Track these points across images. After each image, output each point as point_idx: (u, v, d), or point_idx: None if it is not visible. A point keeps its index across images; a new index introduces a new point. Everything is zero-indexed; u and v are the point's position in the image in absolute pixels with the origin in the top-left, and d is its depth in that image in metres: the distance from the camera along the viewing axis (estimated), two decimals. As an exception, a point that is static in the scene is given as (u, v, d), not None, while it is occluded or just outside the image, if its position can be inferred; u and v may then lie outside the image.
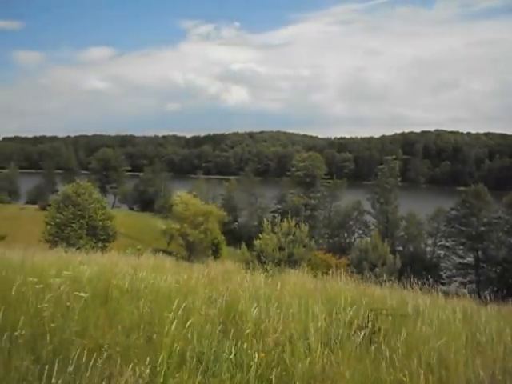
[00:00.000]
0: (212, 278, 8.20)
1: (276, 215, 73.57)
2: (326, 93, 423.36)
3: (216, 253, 51.04)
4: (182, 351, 3.93)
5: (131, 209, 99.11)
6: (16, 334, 3.58)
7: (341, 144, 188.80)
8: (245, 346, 4.00)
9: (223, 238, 54.81)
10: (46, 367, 3.07)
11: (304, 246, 18.05)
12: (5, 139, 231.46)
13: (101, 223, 36.91)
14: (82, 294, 4.47)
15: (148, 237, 61.58)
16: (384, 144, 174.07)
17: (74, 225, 34.71)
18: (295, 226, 18.73)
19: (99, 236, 36.50)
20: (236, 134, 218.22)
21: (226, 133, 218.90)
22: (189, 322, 4.54)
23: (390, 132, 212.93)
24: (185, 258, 38.70)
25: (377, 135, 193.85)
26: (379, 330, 4.59)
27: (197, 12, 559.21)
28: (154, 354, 3.76)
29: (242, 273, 10.15)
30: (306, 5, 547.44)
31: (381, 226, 63.78)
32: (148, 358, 3.49)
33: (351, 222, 69.69)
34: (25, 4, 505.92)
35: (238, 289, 6.83)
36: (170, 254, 38.77)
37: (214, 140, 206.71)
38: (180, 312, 4.89)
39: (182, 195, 53.60)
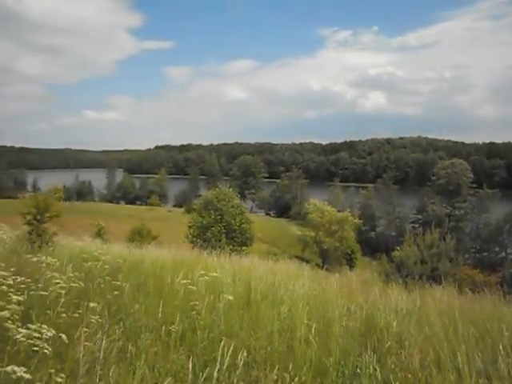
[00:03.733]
0: (350, 288, 8.01)
1: (416, 226, 69.95)
2: (472, 94, 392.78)
3: (350, 262, 50.00)
4: (321, 361, 3.88)
5: (268, 214, 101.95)
6: (171, 328, 3.87)
7: (490, 150, 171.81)
8: (388, 362, 3.81)
9: (358, 247, 53.52)
10: (199, 363, 3.27)
11: (449, 261, 16.69)
12: (157, 147, 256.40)
13: (239, 227, 38.48)
14: (229, 297, 4.66)
15: (283, 242, 62.71)
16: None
17: (214, 228, 36.73)
18: (439, 238, 17.45)
19: (237, 239, 38.10)
20: (374, 140, 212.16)
21: (363, 139, 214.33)
22: (328, 333, 4.49)
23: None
24: (319, 266, 38.61)
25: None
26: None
27: (336, 19, 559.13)
28: (295, 361, 3.76)
29: (380, 285, 9.76)
30: (450, 2, 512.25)
31: (540, 242, 56.46)
32: (290, 365, 3.50)
33: (504, 236, 62.85)
34: (175, 25, 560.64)
35: (377, 302, 6.57)
36: (304, 260, 39.02)
37: (351, 147, 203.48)
38: (319, 321, 4.85)
39: (316, 202, 53.64)
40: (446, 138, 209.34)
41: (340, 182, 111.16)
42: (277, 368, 3.54)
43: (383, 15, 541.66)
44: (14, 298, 3.25)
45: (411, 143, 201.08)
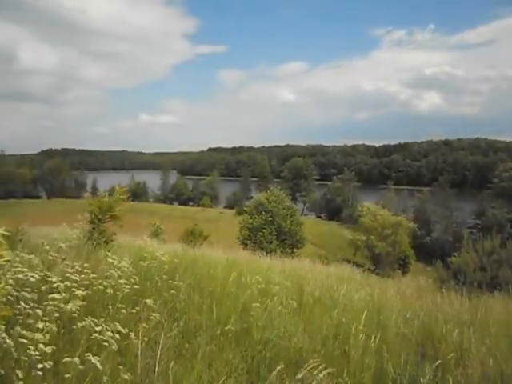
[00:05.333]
0: (405, 294, 7.81)
1: (474, 231, 67.01)
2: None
3: (404, 267, 48.66)
4: (377, 368, 3.80)
5: (319, 217, 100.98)
6: (226, 328, 3.92)
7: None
8: (447, 374, 3.67)
9: (412, 252, 51.95)
10: (253, 364, 3.29)
11: (511, 269, 15.84)
12: (209, 149, 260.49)
13: (289, 229, 38.36)
14: (286, 302, 4.66)
15: (333, 246, 61.99)
16: None
17: (265, 230, 36.80)
18: (500, 244, 16.63)
19: (288, 242, 37.99)
20: (429, 141, 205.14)
21: (419, 141, 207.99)
22: (384, 340, 4.38)
23: None
24: (371, 271, 37.84)
25: None
26: None
27: (390, 19, 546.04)
28: (349, 367, 3.71)
29: (437, 292, 9.45)
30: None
31: None
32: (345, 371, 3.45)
33: None
34: (228, 30, 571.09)
35: (434, 309, 6.36)
36: (355, 264, 38.32)
37: (405, 149, 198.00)
38: (374, 327, 4.76)
39: (368, 206, 52.66)
40: (507, 140, 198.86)
41: (393, 184, 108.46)
42: (331, 373, 3.50)
43: (440, 13, 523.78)
44: (78, 293, 3.41)
45: (470, 145, 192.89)
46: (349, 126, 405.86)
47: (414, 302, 6.88)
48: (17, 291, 3.21)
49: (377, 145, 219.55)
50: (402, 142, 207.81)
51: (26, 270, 3.58)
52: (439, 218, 75.32)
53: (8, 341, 2.64)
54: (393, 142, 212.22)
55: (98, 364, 2.55)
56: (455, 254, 18.49)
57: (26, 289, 3.30)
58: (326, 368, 3.37)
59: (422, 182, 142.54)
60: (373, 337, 4.43)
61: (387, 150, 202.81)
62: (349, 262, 38.60)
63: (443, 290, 9.81)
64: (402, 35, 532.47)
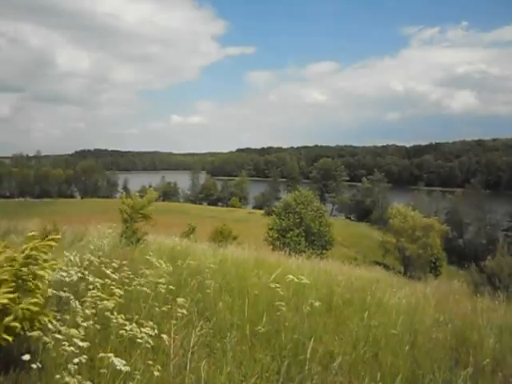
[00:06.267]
0: (438, 298, 7.65)
1: (509, 234, 65.02)
2: None
3: (435, 270, 47.69)
4: (409, 373, 3.75)
5: (348, 218, 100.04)
6: (257, 328, 3.93)
7: None
8: (483, 381, 3.58)
9: (444, 254, 50.84)
10: (283, 364, 3.30)
11: (549, 274, 15.35)
12: (238, 150, 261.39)
13: (318, 230, 38.20)
14: (316, 303, 4.64)
15: (363, 247, 61.30)
16: None
17: (293, 231, 36.77)
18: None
19: (316, 243, 37.84)
20: (462, 142, 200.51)
21: (451, 141, 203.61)
22: (417, 344, 4.32)
23: None
24: (401, 273, 37.30)
25: None
26: None
27: (421, 17, 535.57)
28: (380, 370, 3.66)
29: (471, 296, 9.24)
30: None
31: None
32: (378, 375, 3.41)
33: None
34: (257, 31, 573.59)
35: (468, 314, 6.22)
36: (385, 266, 37.83)
37: (437, 149, 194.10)
38: (406, 331, 4.69)
39: (399, 207, 51.88)
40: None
41: (425, 186, 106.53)
42: (362, 376, 3.48)
43: (474, 9, 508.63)
44: (116, 291, 3.51)
45: (504, 145, 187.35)
46: (379, 126, 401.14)
47: (447, 306, 6.74)
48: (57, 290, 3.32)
49: (407, 145, 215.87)
50: (434, 142, 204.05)
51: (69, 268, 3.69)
52: (472, 220, 73.46)
53: (47, 337, 2.72)
54: (424, 143, 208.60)
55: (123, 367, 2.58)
56: (489, 257, 18.05)
57: (65, 288, 3.40)
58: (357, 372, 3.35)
59: (454, 183, 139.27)
60: (405, 340, 4.38)
61: (418, 151, 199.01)
62: (379, 264, 38.19)
63: (477, 295, 9.58)
64: (433, 33, 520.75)
